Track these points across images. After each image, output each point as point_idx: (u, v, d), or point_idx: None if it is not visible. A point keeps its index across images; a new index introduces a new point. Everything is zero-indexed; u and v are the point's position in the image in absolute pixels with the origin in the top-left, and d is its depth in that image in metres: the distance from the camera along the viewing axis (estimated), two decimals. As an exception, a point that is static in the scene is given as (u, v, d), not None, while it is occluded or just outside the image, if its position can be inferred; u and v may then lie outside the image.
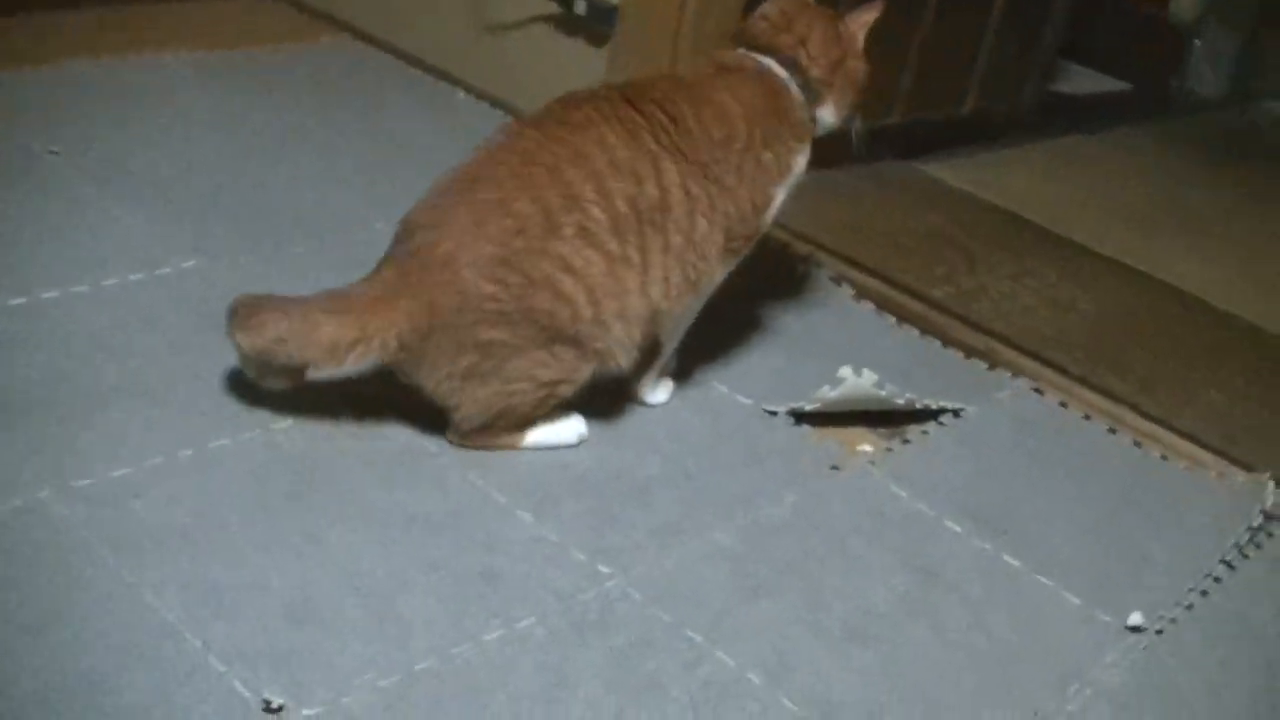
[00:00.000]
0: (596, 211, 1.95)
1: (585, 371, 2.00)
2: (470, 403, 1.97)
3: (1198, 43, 4.59)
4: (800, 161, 2.19)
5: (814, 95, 2.20)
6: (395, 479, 1.93)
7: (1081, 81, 4.24)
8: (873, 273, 2.76)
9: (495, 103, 3.14)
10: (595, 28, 2.99)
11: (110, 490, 1.79)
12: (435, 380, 1.96)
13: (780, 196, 2.17)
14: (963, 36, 3.46)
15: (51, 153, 2.57)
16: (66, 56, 2.97)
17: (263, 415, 1.98)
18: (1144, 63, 4.56)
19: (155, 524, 1.76)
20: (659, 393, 2.20)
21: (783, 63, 2.19)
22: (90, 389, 1.97)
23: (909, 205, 3.17)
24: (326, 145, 2.84)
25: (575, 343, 1.96)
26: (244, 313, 1.91)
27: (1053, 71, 3.85)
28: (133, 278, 2.25)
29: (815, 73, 2.19)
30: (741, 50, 2.20)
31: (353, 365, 1.92)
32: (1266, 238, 3.54)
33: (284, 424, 1.98)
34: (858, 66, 2.25)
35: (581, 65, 3.01)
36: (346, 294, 1.95)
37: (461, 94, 3.21)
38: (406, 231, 1.97)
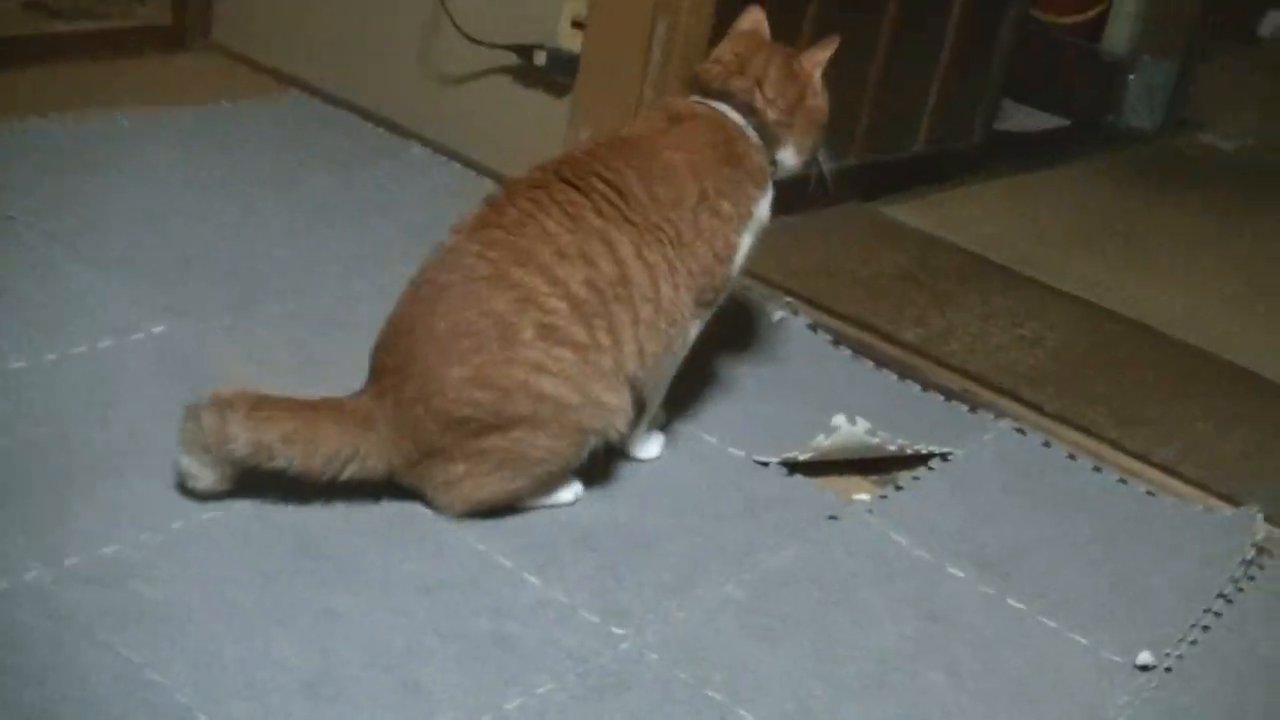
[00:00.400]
0: (554, 303, 1.91)
1: (588, 446, 1.97)
2: (469, 500, 1.95)
3: (1132, 77, 4.66)
4: (762, 207, 2.16)
5: (772, 137, 2.17)
6: (396, 546, 1.89)
7: (1022, 119, 4.28)
8: (846, 318, 2.76)
9: (453, 156, 3.12)
10: (555, 78, 2.97)
11: (104, 568, 1.74)
12: (433, 488, 1.95)
13: (745, 243, 2.14)
14: (914, 78, 3.50)
15: (7, 217, 2.50)
16: (14, 116, 2.92)
17: (252, 485, 1.93)
18: (1081, 99, 4.62)
19: (155, 601, 1.71)
20: (650, 447, 2.18)
21: (737, 108, 2.15)
22: (68, 462, 1.91)
23: (874, 247, 3.18)
24: (288, 201, 2.81)
25: (571, 428, 1.93)
26: (245, 405, 1.83)
27: (998, 110, 3.87)
28: (102, 345, 2.20)
29: (772, 115, 2.16)
30: (695, 97, 2.17)
31: (345, 475, 1.89)
32: (1214, 266, 3.61)
33: (273, 493, 1.93)
34: (817, 104, 2.21)
35: (542, 116, 3.00)
36: (342, 405, 1.92)
37: (417, 147, 3.18)
38: (374, 373, 1.96)
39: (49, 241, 2.46)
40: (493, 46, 3.02)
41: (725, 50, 2.21)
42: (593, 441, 1.97)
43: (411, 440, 1.91)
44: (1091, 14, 4.91)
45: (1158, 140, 4.70)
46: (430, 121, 3.20)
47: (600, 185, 2.00)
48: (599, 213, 1.97)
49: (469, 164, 3.10)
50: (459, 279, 1.93)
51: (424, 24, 3.19)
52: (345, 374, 2.16)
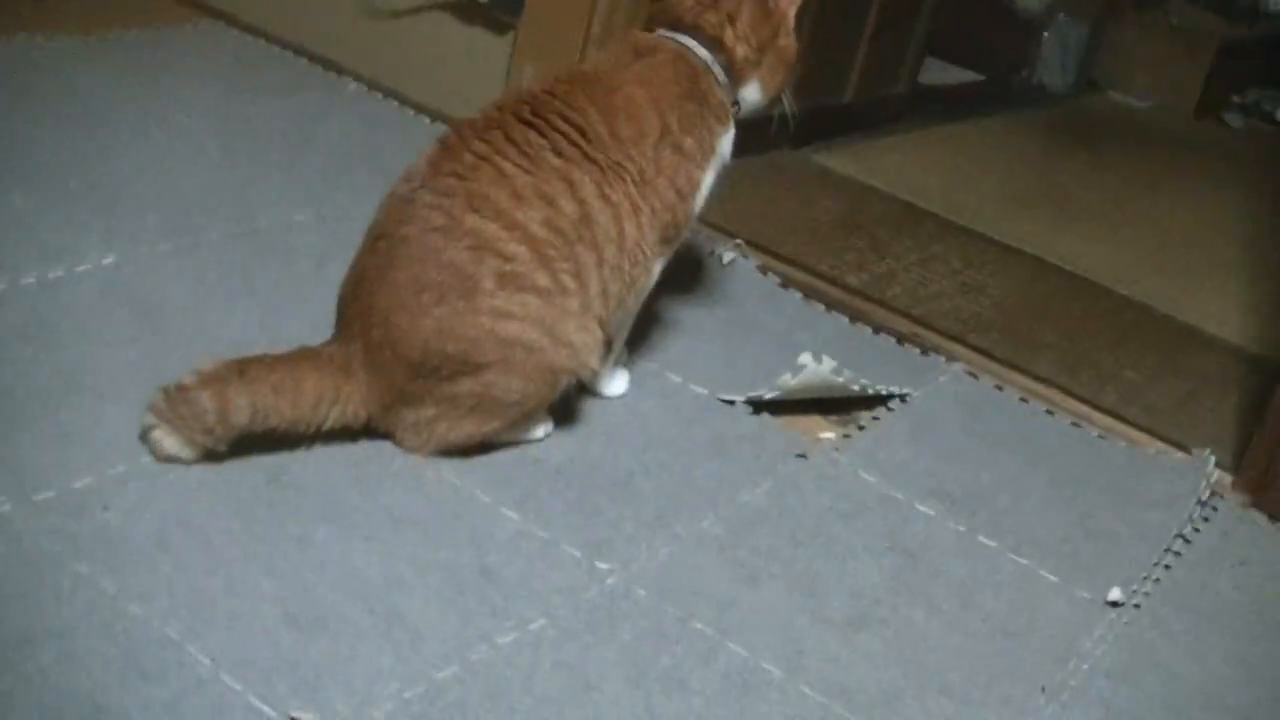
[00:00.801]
0: (512, 248, 1.86)
1: (560, 386, 1.95)
2: (443, 441, 1.92)
3: (1046, 35, 4.71)
4: (725, 144, 2.13)
5: (738, 75, 2.13)
6: (371, 479, 1.85)
7: (939, 73, 4.30)
8: (790, 261, 2.75)
9: (389, 93, 3.06)
10: (499, 15, 2.92)
11: (75, 501, 1.69)
12: (404, 430, 1.92)
13: (707, 180, 2.11)
14: (845, 28, 3.50)
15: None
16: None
17: (219, 419, 1.88)
18: (997, 55, 4.66)
19: (129, 533, 1.66)
20: (616, 384, 2.16)
21: (704, 42, 2.10)
22: (29, 393, 1.85)
23: (808, 194, 3.19)
24: (219, 128, 2.74)
25: (543, 369, 1.90)
26: (233, 372, 1.77)
27: (922, 62, 3.89)
28: (52, 275, 2.14)
29: (741, 51, 2.11)
30: (661, 31, 2.12)
31: (330, 421, 1.85)
32: (1135, 222, 3.67)
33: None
34: (788, 45, 2.17)
35: (484, 54, 2.95)
36: (318, 352, 1.88)
37: (353, 84, 3.12)
38: (341, 321, 1.92)
39: (-19, 167, 2.38)
40: (436, -18, 2.97)
41: None
42: (564, 381, 1.95)
43: (383, 385, 1.87)
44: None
45: (1071, 98, 4.77)
46: (363, 58, 3.13)
47: (560, 123, 1.95)
48: (558, 152, 1.93)
49: (405, 101, 3.04)
50: (415, 231, 1.88)
51: (359, -44, 3.12)
52: (291, 302, 2.16)
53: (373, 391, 1.88)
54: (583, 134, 1.95)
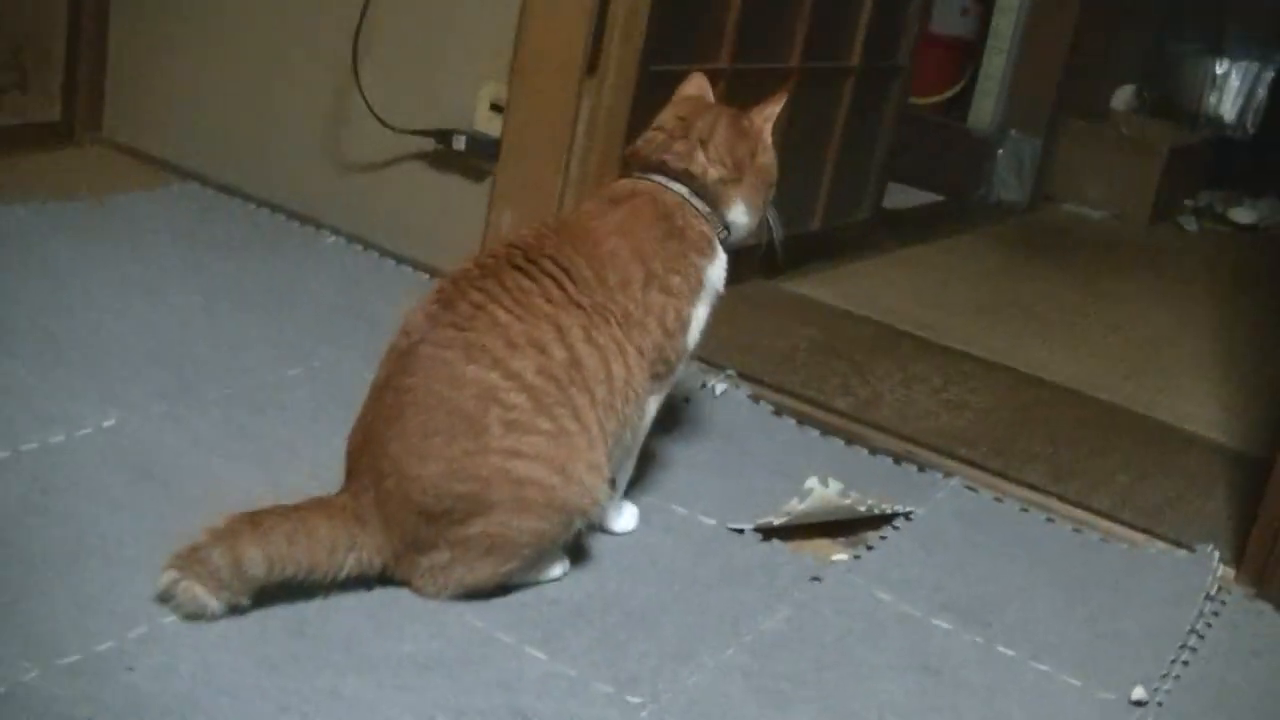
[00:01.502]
0: (513, 397, 1.88)
1: (574, 525, 1.95)
2: (461, 585, 1.92)
3: (1000, 152, 4.81)
4: (713, 274, 2.13)
5: (717, 198, 2.11)
6: (393, 626, 1.85)
7: (899, 196, 4.39)
8: (778, 389, 2.78)
9: (368, 245, 3.09)
10: (474, 162, 2.97)
11: (100, 664, 1.67)
12: (420, 576, 1.92)
13: (699, 314, 2.12)
14: (809, 161, 3.60)
15: (-75, 317, 2.42)
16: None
17: (233, 576, 1.88)
18: (953, 175, 4.76)
19: (156, 694, 1.65)
20: (624, 519, 2.16)
21: (674, 176, 2.10)
22: (41, 560, 1.84)
23: (784, 322, 3.23)
24: (199, 289, 2.76)
25: (556, 508, 1.91)
26: (245, 526, 1.78)
27: (885, 188, 3.97)
28: (53, 440, 2.13)
29: (715, 173, 2.10)
30: (633, 176, 2.14)
31: (346, 569, 1.86)
32: (1099, 329, 3.75)
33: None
34: (768, 161, 2.17)
35: (461, 201, 2.99)
36: (329, 501, 1.90)
37: (330, 237, 3.15)
38: (350, 474, 1.93)
39: (-34, 337, 2.39)
40: (409, 133, 3.01)
41: (668, 116, 2.16)
42: (577, 521, 1.94)
43: (397, 533, 1.88)
44: (951, 93, 5.07)
45: (1028, 212, 4.87)
46: (339, 209, 3.17)
47: (550, 268, 1.97)
48: (548, 298, 1.95)
49: (385, 252, 3.07)
50: (419, 381, 1.89)
51: (330, 112, 3.17)
52: (291, 456, 2.18)
53: (387, 539, 1.88)
54: (570, 278, 1.97)
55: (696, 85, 2.23)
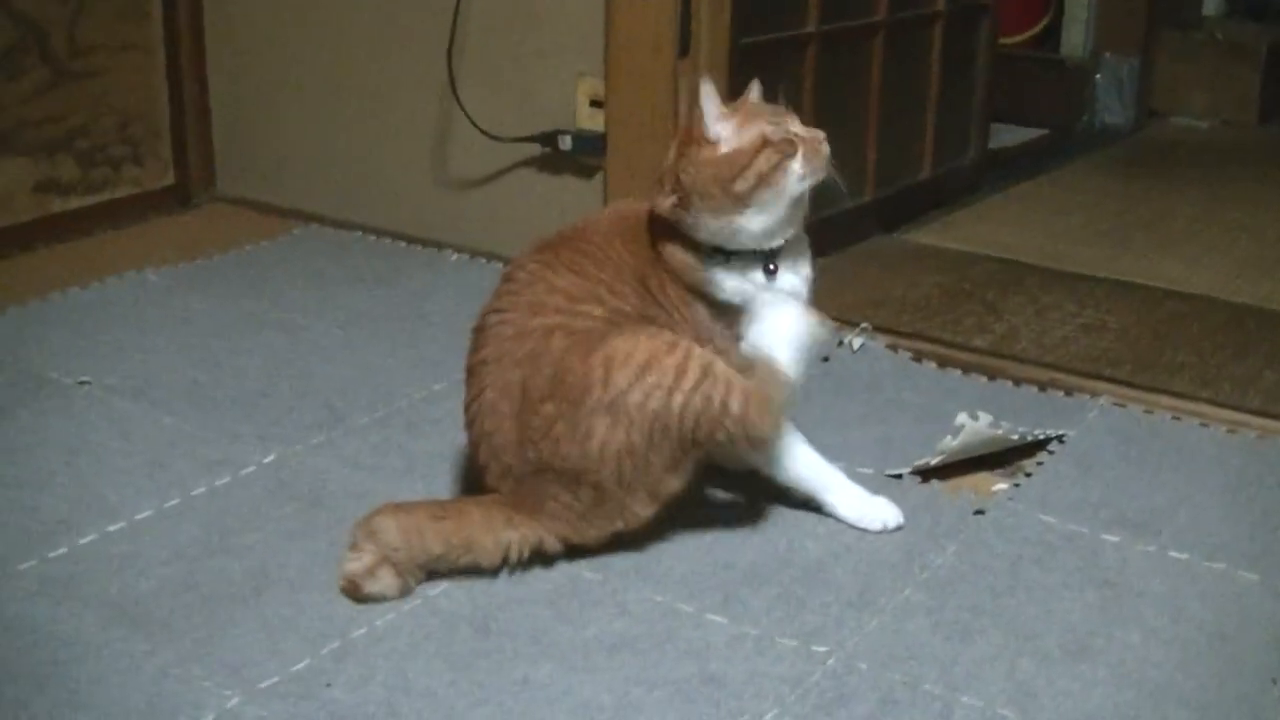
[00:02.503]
0: (582, 323, 1.95)
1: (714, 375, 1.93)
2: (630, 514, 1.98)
3: (1098, 77, 4.76)
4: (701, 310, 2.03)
5: (685, 226, 2.00)
6: (574, 613, 1.89)
7: (1004, 137, 4.37)
8: (915, 336, 2.79)
9: (490, 256, 3.13)
10: (582, 160, 3.01)
11: (299, 683, 1.73)
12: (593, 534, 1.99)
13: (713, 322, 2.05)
14: (910, 111, 3.60)
15: (82, 383, 2.51)
16: (54, 289, 2.95)
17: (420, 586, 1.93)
18: (1055, 107, 4.72)
19: (359, 706, 1.70)
20: (875, 513, 2.11)
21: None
22: (226, 592, 1.91)
23: (910, 272, 3.22)
24: (334, 323, 2.84)
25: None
26: (400, 515, 1.91)
27: (988, 129, 3.96)
28: (219, 483, 2.21)
29: (666, 204, 1.99)
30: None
31: (514, 551, 1.94)
32: (1225, 231, 3.71)
33: (439, 588, 1.93)
34: (689, 179, 1.96)
35: (574, 200, 3.03)
36: (479, 496, 1.99)
37: (453, 255, 3.21)
38: (483, 467, 2.01)
39: (127, 398, 2.48)
40: (515, 140, 3.06)
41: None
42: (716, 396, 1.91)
43: (545, 499, 1.95)
44: (1039, 28, 5.03)
45: (1135, 132, 4.81)
46: (458, 227, 3.23)
47: (597, 253, 2.02)
48: (600, 268, 2.00)
49: (506, 260, 3.09)
50: (491, 351, 1.97)
51: (435, 133, 3.23)
52: (450, 465, 2.24)
53: (540, 512, 1.95)
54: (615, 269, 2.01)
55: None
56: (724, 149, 1.95)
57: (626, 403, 1.89)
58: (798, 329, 1.98)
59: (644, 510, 1.97)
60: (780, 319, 1.98)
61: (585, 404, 1.90)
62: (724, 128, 1.96)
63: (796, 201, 1.99)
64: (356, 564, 1.90)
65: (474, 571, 1.94)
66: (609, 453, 1.91)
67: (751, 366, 1.95)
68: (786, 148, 1.96)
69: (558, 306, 1.96)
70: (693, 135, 1.96)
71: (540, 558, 1.98)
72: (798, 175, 1.98)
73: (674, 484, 1.96)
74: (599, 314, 1.96)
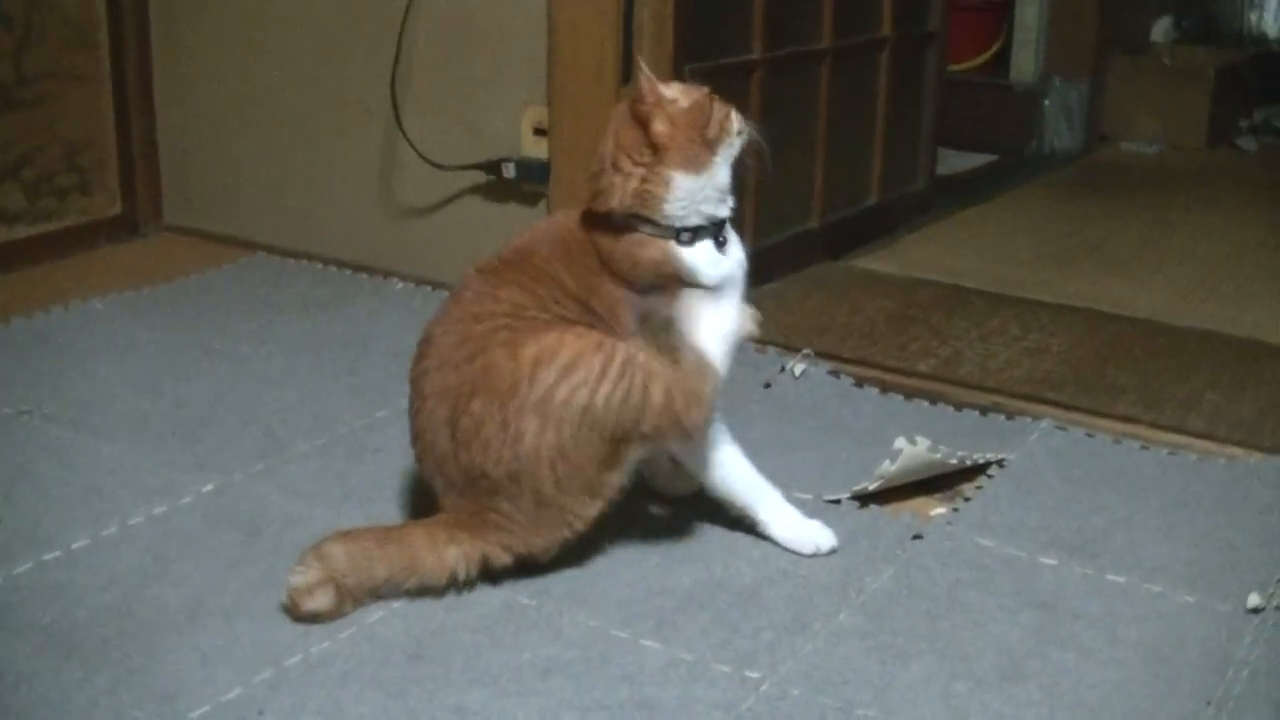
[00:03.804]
0: (523, 323, 1.96)
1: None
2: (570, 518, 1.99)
3: (1047, 102, 4.80)
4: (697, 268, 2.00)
5: (647, 202, 1.96)
6: (508, 637, 1.88)
7: (954, 162, 4.40)
8: (858, 362, 2.80)
9: (436, 284, 3.13)
10: (526, 187, 3.01)
11: (231, 712, 1.72)
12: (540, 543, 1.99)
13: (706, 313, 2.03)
14: (857, 138, 3.63)
15: (22, 412, 2.50)
16: (-3, 317, 2.93)
17: (352, 615, 1.92)
18: (1003, 132, 4.76)
19: (292, 735, 1.69)
20: (806, 536, 2.11)
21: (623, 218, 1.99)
22: (160, 620, 1.90)
23: (856, 297, 3.24)
24: (278, 350, 2.83)
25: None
26: (348, 541, 1.93)
27: (936, 155, 3.98)
28: (156, 511, 2.19)
29: (633, 185, 1.95)
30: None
31: (461, 569, 1.96)
32: (1171, 254, 3.75)
33: (377, 615, 1.93)
34: (679, 109, 1.96)
35: (518, 227, 2.99)
36: (431, 519, 2.00)
37: (398, 283, 3.21)
38: (429, 481, 2.02)
39: (67, 427, 2.46)
40: (459, 169, 3.06)
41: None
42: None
43: (483, 508, 1.95)
44: (989, 54, 5.07)
45: (1084, 156, 4.86)
46: (402, 254, 3.23)
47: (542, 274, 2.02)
48: (547, 290, 2.00)
49: (450, 288, 3.11)
50: (434, 361, 1.99)
51: (379, 162, 3.23)
52: (391, 494, 2.24)
53: (481, 524, 1.96)
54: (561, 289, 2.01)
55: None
56: (684, 103, 1.95)
57: (554, 400, 1.90)
58: (726, 320, 2.00)
59: (586, 510, 1.97)
60: (709, 310, 2.00)
61: (512, 403, 1.91)
62: (671, 90, 1.97)
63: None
64: (299, 579, 1.90)
65: (424, 593, 1.95)
66: (542, 454, 1.91)
67: (679, 358, 1.97)
68: (725, 102, 2.00)
69: (505, 312, 1.96)
70: (646, 103, 1.94)
71: (489, 574, 1.98)
72: (739, 125, 2.01)
73: (613, 479, 1.97)
74: (544, 318, 1.96)
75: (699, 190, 1.96)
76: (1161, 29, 5.25)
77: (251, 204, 3.45)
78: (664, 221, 1.96)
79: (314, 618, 1.89)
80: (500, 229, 2.97)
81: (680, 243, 1.97)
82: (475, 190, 3.10)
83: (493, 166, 3.03)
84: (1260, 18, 5.33)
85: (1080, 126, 4.83)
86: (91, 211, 3.47)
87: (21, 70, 3.28)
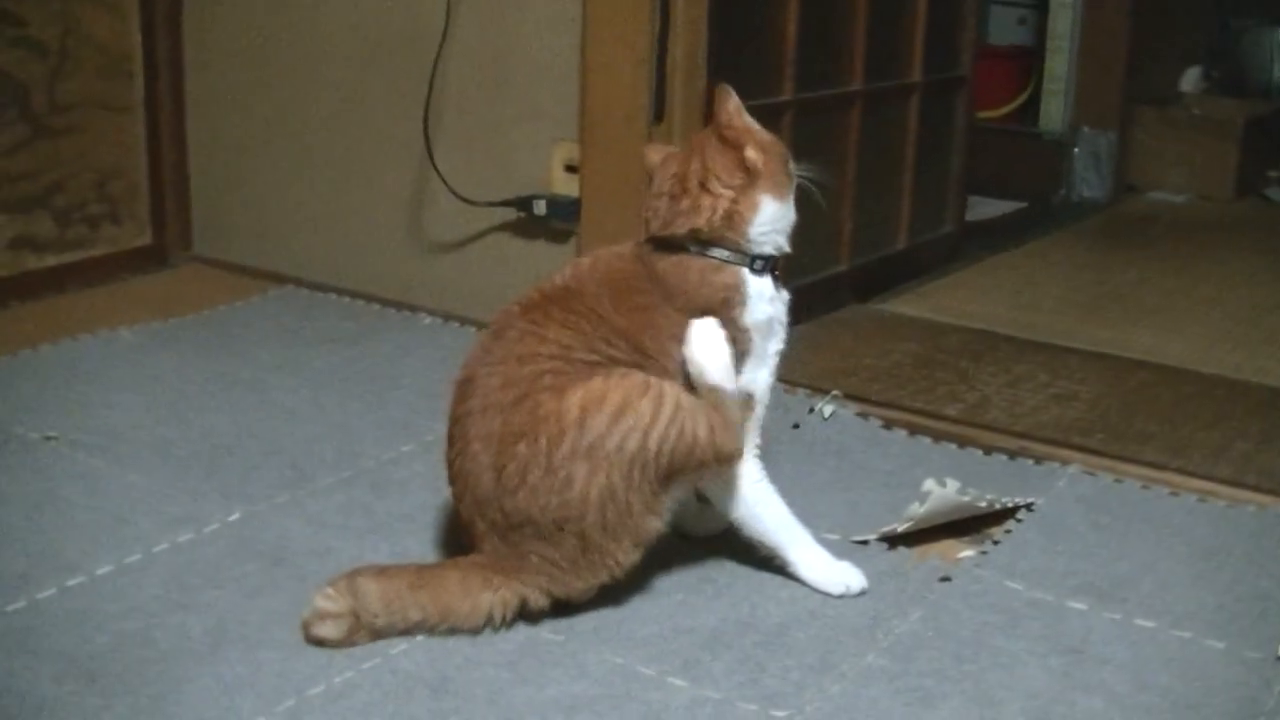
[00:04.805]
0: (564, 366, 1.95)
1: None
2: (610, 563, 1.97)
3: (1076, 151, 4.80)
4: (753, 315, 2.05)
5: (734, 223, 2.01)
6: (532, 674, 1.87)
7: (983, 210, 4.39)
8: (886, 404, 2.79)
9: (464, 320, 3.13)
10: (556, 225, 3.01)
11: (253, 743, 1.71)
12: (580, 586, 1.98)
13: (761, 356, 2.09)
14: (886, 183, 3.63)
15: (48, 438, 2.50)
16: (25, 346, 2.95)
17: (374, 645, 1.91)
18: (1032, 180, 4.76)
19: (313, 766, 1.68)
20: (835, 577, 2.10)
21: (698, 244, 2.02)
22: (183, 648, 1.89)
23: (883, 341, 3.23)
24: (304, 382, 2.83)
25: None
26: (383, 581, 1.92)
27: (965, 201, 3.98)
28: (181, 539, 2.19)
29: (724, 206, 2.00)
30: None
31: (496, 614, 1.95)
32: (1198, 302, 3.74)
33: (400, 647, 1.92)
34: (765, 140, 2.05)
35: (547, 265, 3.01)
36: (462, 558, 1.99)
37: (426, 319, 3.21)
38: (466, 524, 2.00)
39: (94, 454, 2.47)
40: (489, 205, 3.07)
41: (661, 179, 2.06)
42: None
43: (527, 557, 1.94)
44: (1018, 102, 5.07)
45: (1111, 206, 4.85)
46: (431, 290, 3.23)
47: (588, 311, 2.02)
48: (594, 325, 1.99)
49: (479, 324, 3.11)
50: (478, 402, 1.97)
51: (411, 197, 3.24)
52: (415, 527, 2.24)
53: (522, 569, 1.95)
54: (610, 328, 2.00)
55: (657, 150, 2.15)
56: (768, 135, 2.04)
57: (605, 447, 1.89)
58: (724, 346, 2.00)
59: (628, 557, 1.96)
60: (756, 343, 2.02)
61: (560, 449, 1.90)
62: (752, 120, 2.04)
63: None
64: (325, 604, 1.90)
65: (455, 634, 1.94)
66: (591, 499, 1.90)
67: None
68: None
69: (551, 354, 1.95)
70: (735, 129, 2.02)
71: (525, 615, 1.97)
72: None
73: (655, 524, 1.96)
74: (593, 359, 1.96)
75: (781, 218, 2.03)
76: (1190, 80, 5.24)
77: (281, 237, 3.46)
78: (743, 245, 2.01)
79: (319, 643, 1.89)
80: (530, 266, 2.99)
81: (753, 270, 2.00)
82: (505, 227, 3.10)
83: (523, 203, 3.03)
84: (1289, 70, 5.33)
85: (1108, 176, 4.82)
86: (121, 241, 3.48)
87: (54, 98, 3.30)
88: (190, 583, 2.07)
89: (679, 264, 2.02)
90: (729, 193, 2.00)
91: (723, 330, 1.99)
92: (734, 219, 2.00)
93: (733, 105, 2.03)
